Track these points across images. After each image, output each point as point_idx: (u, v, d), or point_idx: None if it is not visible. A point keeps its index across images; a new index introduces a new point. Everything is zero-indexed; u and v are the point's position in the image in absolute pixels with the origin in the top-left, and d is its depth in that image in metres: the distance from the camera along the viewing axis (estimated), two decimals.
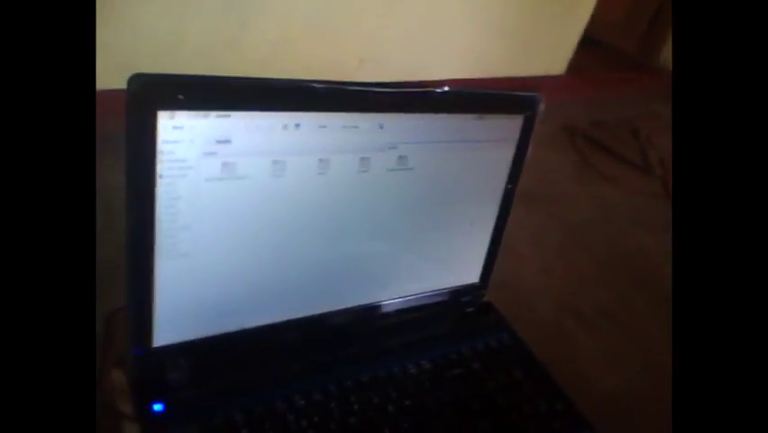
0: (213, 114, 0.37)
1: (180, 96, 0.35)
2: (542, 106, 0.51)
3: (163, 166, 0.36)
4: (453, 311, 0.56)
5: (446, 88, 0.45)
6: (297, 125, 0.40)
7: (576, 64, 1.53)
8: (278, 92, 0.39)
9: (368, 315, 0.51)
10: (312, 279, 0.47)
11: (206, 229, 0.40)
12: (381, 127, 0.44)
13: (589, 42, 1.56)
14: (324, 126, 0.41)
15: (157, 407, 0.41)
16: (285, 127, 0.40)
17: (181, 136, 0.36)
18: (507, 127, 0.50)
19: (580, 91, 1.48)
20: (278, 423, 0.42)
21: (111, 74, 0.83)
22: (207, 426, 0.41)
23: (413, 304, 0.54)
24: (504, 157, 0.52)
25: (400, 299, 0.53)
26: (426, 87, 0.45)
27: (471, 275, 0.56)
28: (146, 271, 0.39)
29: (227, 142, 0.38)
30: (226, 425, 0.41)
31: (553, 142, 1.21)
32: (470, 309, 0.57)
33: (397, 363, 0.49)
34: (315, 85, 0.40)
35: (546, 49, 1.35)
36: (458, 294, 0.56)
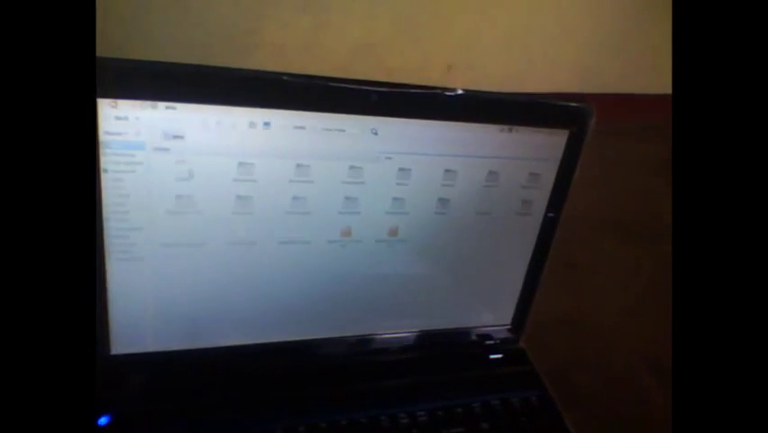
0: (162, 104, 0.33)
1: (123, 83, 0.32)
2: (592, 121, 0.42)
3: (107, 159, 0.33)
4: (475, 356, 0.48)
5: (459, 91, 0.38)
6: (267, 124, 0.35)
7: None
8: (241, 84, 0.34)
9: (363, 348, 0.45)
10: (295, 300, 0.41)
11: (164, 233, 0.36)
12: (375, 133, 0.37)
13: None
14: (302, 127, 0.36)
15: (102, 420, 0.38)
16: (251, 125, 0.35)
17: (126, 128, 0.33)
18: (547, 144, 0.42)
19: None
20: None
21: None
22: None
23: (421, 342, 0.46)
24: (542, 179, 0.43)
25: (405, 334, 0.46)
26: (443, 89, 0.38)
27: (501, 316, 0.48)
28: (98, 271, 0.36)
29: (180, 137, 0.34)
30: None
31: (666, 169, 1.06)
32: (495, 356, 0.48)
33: (386, 410, 0.42)
34: (286, 77, 0.34)
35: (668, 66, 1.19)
36: (482, 337, 0.48)
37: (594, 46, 1.08)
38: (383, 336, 0.46)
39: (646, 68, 1.11)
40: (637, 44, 1.10)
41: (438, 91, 0.37)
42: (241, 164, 0.35)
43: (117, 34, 0.77)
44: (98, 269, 0.36)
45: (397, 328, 0.46)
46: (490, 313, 0.48)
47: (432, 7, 0.93)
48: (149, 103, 0.32)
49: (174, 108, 0.33)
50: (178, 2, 0.78)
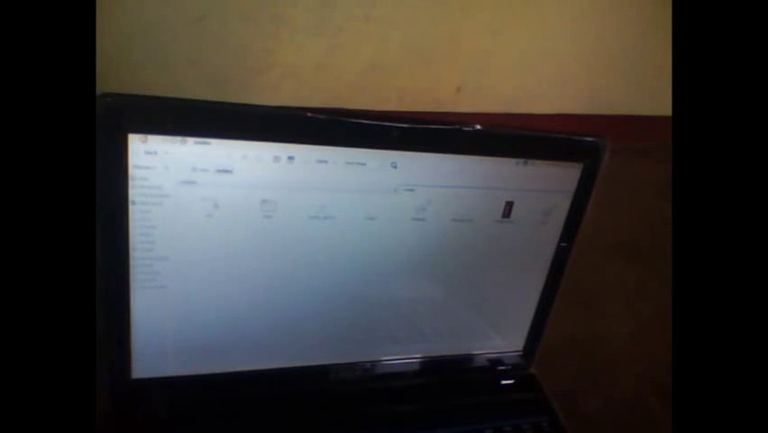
0: (191, 140, 0.34)
1: (154, 119, 0.33)
2: (606, 155, 0.42)
3: (135, 192, 0.34)
4: (486, 382, 0.49)
5: (477, 126, 0.39)
6: (291, 158, 0.36)
7: None
8: (267, 120, 0.35)
9: (377, 373, 0.46)
10: (314, 327, 0.42)
11: (187, 263, 0.37)
12: (395, 166, 0.38)
13: None
14: (324, 161, 0.37)
15: None
16: (276, 159, 0.36)
17: (155, 162, 0.34)
18: (562, 177, 0.43)
19: None
20: None
21: (202, 89, 0.84)
22: None
23: (433, 367, 0.47)
24: (557, 211, 0.44)
25: (418, 359, 0.47)
26: (463, 122, 0.39)
27: (513, 343, 0.49)
28: (121, 298, 0.37)
29: (207, 171, 0.35)
30: None
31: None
32: (507, 382, 0.49)
33: None
34: (311, 114, 0.35)
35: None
36: (494, 363, 0.49)
37: (603, 68, 1.09)
38: (396, 361, 0.46)
39: (654, 90, 1.12)
40: (645, 67, 1.11)
41: (456, 126, 0.38)
42: (265, 197, 0.36)
43: (132, 53, 0.78)
44: (122, 296, 0.37)
45: (410, 354, 0.47)
46: (503, 339, 0.48)
47: (443, 31, 0.94)
48: (178, 138, 0.33)
49: (202, 144, 0.34)
50: (196, 23, 0.80)
